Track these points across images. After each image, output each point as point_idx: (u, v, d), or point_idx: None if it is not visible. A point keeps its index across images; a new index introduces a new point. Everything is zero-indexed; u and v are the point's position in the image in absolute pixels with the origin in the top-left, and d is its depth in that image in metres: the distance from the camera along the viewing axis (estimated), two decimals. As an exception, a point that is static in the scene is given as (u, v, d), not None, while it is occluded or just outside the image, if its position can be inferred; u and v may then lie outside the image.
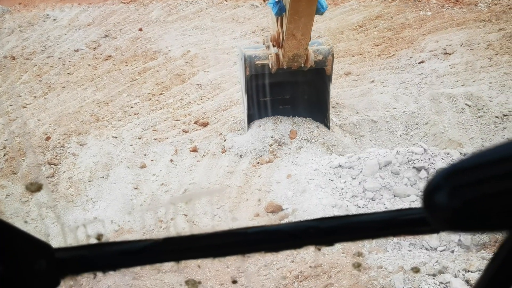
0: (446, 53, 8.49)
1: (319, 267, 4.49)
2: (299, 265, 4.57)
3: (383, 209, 5.14)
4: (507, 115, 6.60)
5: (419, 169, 5.46)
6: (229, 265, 4.72)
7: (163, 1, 12.31)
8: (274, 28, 5.98)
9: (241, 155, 6.55)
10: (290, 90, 6.96)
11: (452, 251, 4.69)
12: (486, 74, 7.59)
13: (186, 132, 7.24)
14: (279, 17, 5.66)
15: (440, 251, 4.72)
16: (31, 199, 6.12)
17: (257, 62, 6.16)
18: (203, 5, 12.13)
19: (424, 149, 5.59)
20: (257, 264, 4.71)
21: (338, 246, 4.76)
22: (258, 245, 0.70)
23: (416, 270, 4.25)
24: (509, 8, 9.67)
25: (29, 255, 0.63)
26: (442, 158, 5.52)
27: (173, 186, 6.19)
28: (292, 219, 5.25)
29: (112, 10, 12.08)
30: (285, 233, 0.69)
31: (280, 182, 5.94)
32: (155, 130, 7.34)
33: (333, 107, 6.99)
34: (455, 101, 7.07)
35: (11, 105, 8.25)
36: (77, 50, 10.11)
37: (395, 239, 4.90)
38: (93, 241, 0.74)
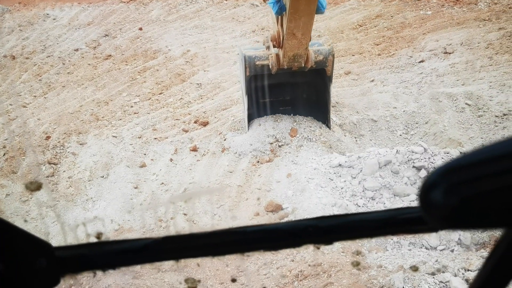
0: (446, 52, 8.49)
1: (319, 266, 4.49)
2: (299, 264, 4.57)
3: (383, 209, 5.15)
4: (507, 114, 6.60)
5: (419, 169, 5.46)
6: (229, 264, 4.73)
7: (163, 0, 12.30)
8: (274, 28, 5.98)
9: (241, 155, 6.55)
10: (291, 91, 6.96)
11: (452, 250, 4.70)
12: (486, 73, 7.59)
13: (186, 131, 7.24)
14: (279, 17, 5.65)
15: (440, 250, 4.72)
16: (31, 198, 6.13)
17: (257, 63, 6.15)
18: (203, 4, 12.13)
19: (424, 149, 5.59)
20: (257, 263, 4.71)
21: (338, 245, 4.76)
22: (257, 243, 0.70)
23: (414, 268, 4.25)
24: (509, 7, 9.67)
25: (29, 254, 0.63)
26: (442, 158, 5.52)
27: (173, 186, 6.19)
28: (292, 218, 5.25)
29: (112, 10, 12.08)
30: (284, 231, 0.69)
31: (280, 181, 5.94)
32: (155, 130, 7.34)
33: (333, 106, 6.99)
34: (455, 100, 7.07)
35: (11, 105, 8.25)
36: (77, 50, 10.11)
37: (395, 238, 4.90)
38: (93, 240, 0.74)
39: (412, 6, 10.77)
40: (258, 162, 6.41)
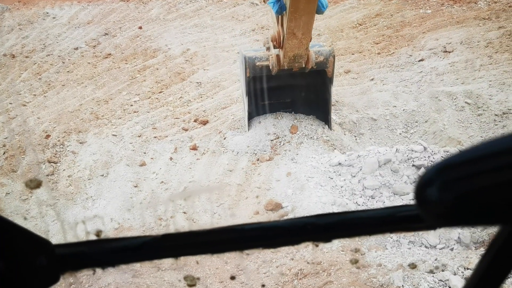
0: (446, 51, 8.49)
1: (319, 265, 4.50)
2: (299, 263, 4.58)
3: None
4: (506, 113, 6.60)
5: (418, 167, 5.47)
6: (229, 262, 4.74)
7: (163, -1, 12.31)
8: (274, 28, 5.97)
9: (241, 153, 6.55)
10: (291, 93, 6.95)
11: (452, 249, 4.70)
12: (486, 72, 7.59)
13: (186, 130, 7.24)
14: (280, 16, 5.64)
15: (440, 249, 4.73)
16: (30, 197, 6.13)
17: (257, 64, 6.13)
18: (202, 3, 12.13)
19: (424, 147, 5.59)
20: (257, 262, 4.71)
21: (338, 244, 4.77)
22: (256, 241, 0.70)
23: (413, 266, 4.26)
24: (509, 6, 9.67)
25: (29, 252, 0.63)
26: (441, 156, 5.53)
27: (173, 184, 6.20)
28: (291, 217, 5.25)
29: (112, 8, 12.08)
30: (283, 229, 0.70)
31: (279, 180, 5.94)
32: (154, 128, 7.35)
33: (333, 105, 6.99)
34: (455, 99, 7.07)
35: (10, 103, 8.25)
36: (76, 48, 10.10)
37: (395, 237, 4.90)
38: (93, 238, 0.74)
39: (412, 4, 10.77)
40: (258, 160, 6.41)
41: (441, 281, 4.09)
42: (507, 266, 0.60)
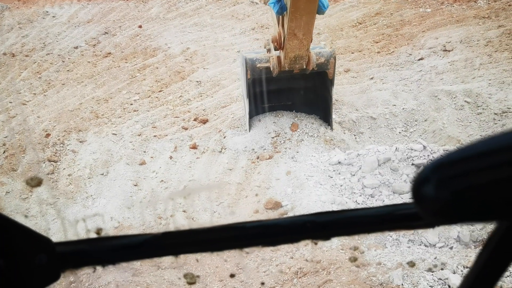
0: (446, 50, 8.49)
1: (318, 263, 4.50)
2: (298, 261, 4.58)
3: (382, 206, 5.16)
4: (506, 111, 6.60)
5: (418, 166, 5.47)
6: (228, 261, 4.74)
7: (163, -2, 12.30)
8: (275, 29, 5.96)
9: (241, 152, 6.56)
10: (292, 95, 6.95)
11: (451, 248, 4.71)
12: (486, 71, 7.59)
13: (186, 129, 7.24)
14: (280, 17, 5.63)
15: (439, 248, 4.73)
16: (31, 196, 6.13)
17: (258, 65, 6.11)
18: (202, 2, 12.12)
19: (423, 146, 5.60)
20: (256, 261, 4.72)
21: (337, 243, 4.77)
22: (255, 239, 0.70)
23: (411, 264, 4.26)
24: (509, 5, 9.67)
25: (29, 250, 0.63)
26: (441, 155, 5.52)
27: (173, 183, 6.20)
28: (291, 215, 5.25)
29: (112, 7, 12.07)
30: (283, 227, 0.70)
31: (279, 179, 5.95)
32: (154, 127, 7.35)
33: (332, 104, 7.00)
34: (454, 98, 7.07)
35: (10, 102, 8.25)
36: (76, 47, 10.10)
37: (394, 236, 4.91)
38: (93, 236, 0.75)
39: (411, 3, 10.77)
40: (257, 158, 6.42)
41: (441, 279, 4.09)
42: (504, 262, 0.61)
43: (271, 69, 6.02)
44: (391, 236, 4.92)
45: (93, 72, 9.13)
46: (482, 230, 4.83)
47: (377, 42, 9.40)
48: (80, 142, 7.07)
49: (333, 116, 6.95)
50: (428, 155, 5.51)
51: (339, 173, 5.75)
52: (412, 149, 5.59)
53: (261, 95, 6.61)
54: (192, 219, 5.54)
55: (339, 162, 5.84)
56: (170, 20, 11.35)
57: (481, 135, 6.46)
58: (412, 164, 5.50)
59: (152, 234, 0.68)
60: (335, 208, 5.24)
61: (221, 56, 9.44)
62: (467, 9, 10.05)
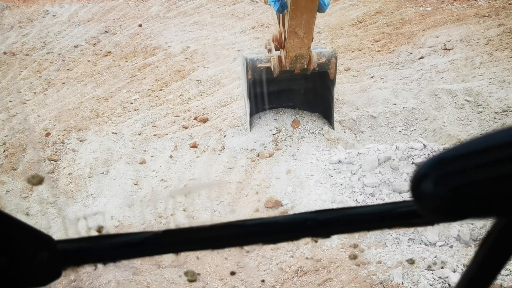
0: (446, 49, 8.49)
1: (318, 262, 4.51)
2: (299, 260, 4.59)
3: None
4: (506, 110, 6.61)
5: (418, 165, 5.47)
6: (229, 260, 4.74)
7: (163, -3, 12.30)
8: (276, 28, 5.93)
9: (241, 151, 6.56)
10: (293, 95, 6.94)
11: (451, 246, 4.71)
12: (486, 69, 7.59)
13: (186, 128, 7.25)
14: (281, 16, 5.61)
15: (439, 246, 4.74)
16: (31, 195, 6.14)
17: (259, 65, 6.07)
18: (202, 1, 12.12)
19: (424, 145, 5.60)
20: (257, 259, 4.72)
21: (337, 242, 4.78)
22: (256, 237, 0.71)
23: (411, 261, 4.27)
24: (509, 4, 9.66)
25: (31, 247, 0.64)
26: (439, 152, 5.52)
27: (173, 182, 6.20)
28: (291, 214, 5.25)
29: (112, 6, 12.07)
30: (283, 225, 0.70)
31: (279, 177, 5.95)
32: (154, 126, 7.35)
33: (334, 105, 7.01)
34: (455, 96, 7.07)
35: (11, 101, 8.25)
36: (76, 46, 10.10)
37: (394, 234, 4.91)
38: (94, 234, 0.75)
39: (412, 2, 10.76)
40: (258, 156, 6.42)
41: (441, 278, 4.10)
42: (502, 259, 0.61)
43: (272, 69, 5.99)
44: (391, 235, 4.92)
45: (93, 71, 9.13)
46: (482, 229, 4.83)
47: (377, 41, 9.40)
48: (80, 141, 7.07)
49: (334, 115, 6.95)
50: (429, 154, 5.51)
51: (340, 172, 5.75)
52: (412, 148, 5.59)
53: (262, 96, 6.60)
54: (192, 218, 5.55)
55: (340, 161, 5.84)
56: (170, 19, 11.35)
57: (481, 134, 6.45)
58: (413, 163, 5.50)
59: (153, 231, 0.68)
60: (335, 207, 5.24)
61: (221, 55, 9.44)
62: (468, 7, 10.04)
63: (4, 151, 6.85)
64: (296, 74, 6.22)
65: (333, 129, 6.75)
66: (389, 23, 10.00)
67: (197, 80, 8.56)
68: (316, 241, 4.54)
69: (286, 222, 0.70)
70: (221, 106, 7.71)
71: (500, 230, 0.58)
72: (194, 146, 6.79)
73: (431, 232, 4.83)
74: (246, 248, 4.72)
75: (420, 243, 4.82)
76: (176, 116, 7.59)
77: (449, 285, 4.01)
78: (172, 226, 5.37)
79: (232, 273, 4.54)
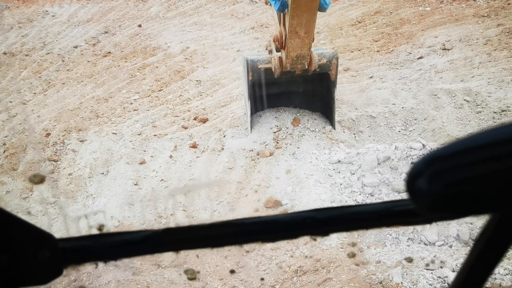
0: (445, 49, 8.49)
1: (318, 262, 4.51)
2: (298, 260, 4.59)
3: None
4: (505, 110, 6.61)
5: (413, 163, 5.47)
6: (228, 259, 4.75)
7: (162, -3, 12.30)
8: (276, 28, 5.92)
9: (241, 151, 6.56)
10: (294, 96, 6.94)
11: (450, 246, 4.72)
12: (485, 69, 7.59)
13: (186, 128, 7.25)
14: (282, 16, 5.60)
15: (438, 246, 4.74)
16: (31, 195, 6.14)
17: (260, 66, 6.05)
18: (202, 1, 12.12)
19: (423, 145, 5.61)
20: (256, 259, 4.73)
21: (337, 241, 4.78)
22: (255, 235, 0.71)
23: (409, 260, 4.27)
24: (508, 4, 9.67)
25: (32, 245, 0.64)
26: (433, 149, 5.53)
27: (173, 182, 6.20)
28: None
29: (111, 6, 12.07)
30: (283, 223, 0.71)
31: (279, 177, 5.96)
32: (154, 126, 7.35)
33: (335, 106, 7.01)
34: (454, 96, 7.08)
35: (11, 102, 8.25)
36: (76, 47, 10.10)
37: (394, 234, 4.92)
38: (95, 232, 0.75)
39: (411, 2, 10.77)
40: (258, 155, 6.42)
41: (440, 277, 4.10)
42: (497, 254, 0.61)
43: (273, 70, 5.97)
44: (390, 235, 4.93)
45: (93, 71, 9.13)
46: (481, 228, 4.83)
47: (376, 41, 9.41)
48: (80, 141, 7.08)
49: (335, 116, 6.96)
50: (428, 154, 5.51)
51: (339, 172, 5.76)
52: (411, 148, 5.59)
53: (263, 97, 6.59)
54: (192, 217, 5.55)
55: (339, 161, 5.85)
56: (170, 19, 11.35)
57: (475, 132, 6.45)
58: (412, 163, 5.49)
59: (153, 230, 0.69)
60: (334, 206, 5.24)
61: (220, 55, 9.45)
62: (467, 7, 10.05)
63: (4, 152, 6.86)
64: (297, 76, 6.20)
65: (334, 129, 6.76)
66: (388, 23, 10.01)
67: (197, 80, 8.57)
68: (315, 239, 4.54)
69: (286, 220, 0.71)
70: (220, 106, 7.72)
71: (495, 226, 0.59)
72: (194, 146, 6.80)
73: (431, 232, 4.83)
74: (246, 247, 4.73)
75: (420, 243, 4.82)
76: (176, 116, 7.59)
77: (448, 284, 4.01)
78: (172, 226, 5.37)
79: (232, 271, 4.54)
